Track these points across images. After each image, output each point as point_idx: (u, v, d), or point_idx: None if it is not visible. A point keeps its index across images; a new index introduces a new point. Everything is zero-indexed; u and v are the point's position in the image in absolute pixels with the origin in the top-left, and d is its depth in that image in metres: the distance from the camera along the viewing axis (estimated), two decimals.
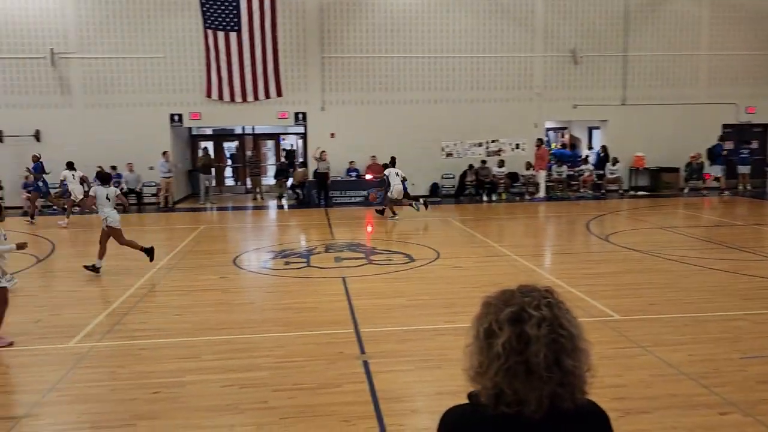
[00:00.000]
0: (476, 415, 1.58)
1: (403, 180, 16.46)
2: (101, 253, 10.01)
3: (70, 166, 17.09)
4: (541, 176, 19.96)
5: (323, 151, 19.34)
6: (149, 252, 10.33)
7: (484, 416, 1.55)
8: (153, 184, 19.75)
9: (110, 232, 10.05)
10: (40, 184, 17.29)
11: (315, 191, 19.50)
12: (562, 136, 25.72)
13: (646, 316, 7.34)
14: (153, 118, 19.74)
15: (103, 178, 10.55)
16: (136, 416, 4.87)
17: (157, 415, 4.90)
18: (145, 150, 19.43)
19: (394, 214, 16.29)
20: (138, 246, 10.28)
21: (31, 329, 7.21)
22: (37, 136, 19.45)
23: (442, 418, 1.66)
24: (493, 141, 21.19)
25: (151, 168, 19.45)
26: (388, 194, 16.51)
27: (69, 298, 8.63)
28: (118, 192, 10.59)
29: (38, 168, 17.25)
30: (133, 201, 19.42)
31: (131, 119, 19.61)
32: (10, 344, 6.63)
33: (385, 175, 16.96)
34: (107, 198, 10.12)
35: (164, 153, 19.09)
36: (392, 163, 16.87)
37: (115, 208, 10.28)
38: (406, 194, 16.62)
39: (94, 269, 9.90)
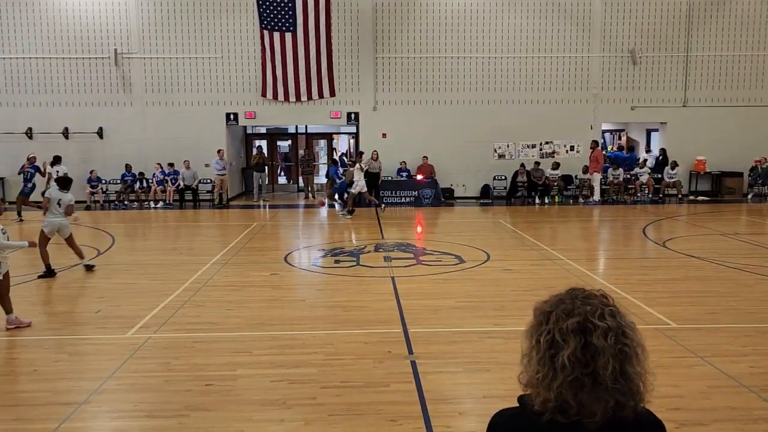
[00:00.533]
0: (528, 421, 1.54)
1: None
2: (78, 253, 10.10)
3: (57, 160, 16.99)
4: (596, 179, 19.51)
5: (374, 151, 19.46)
6: (49, 273, 9.75)
7: (536, 423, 1.52)
8: (208, 181, 20.24)
9: (41, 236, 9.78)
10: (30, 185, 16.74)
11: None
12: (619, 139, 25.08)
13: (704, 325, 7.08)
14: (209, 117, 20.24)
15: (63, 183, 10.19)
16: (188, 407, 4.99)
17: (209, 406, 5.01)
18: (201, 148, 19.93)
19: (351, 212, 16.80)
20: (46, 261, 9.76)
21: (92, 319, 7.49)
22: (100, 133, 20.20)
23: (491, 420, 1.63)
24: (546, 142, 20.85)
25: (207, 165, 19.93)
26: (351, 190, 17.05)
27: (127, 291, 8.92)
28: (72, 202, 10.09)
29: (35, 169, 16.88)
30: (188, 198, 19.97)
31: (189, 118, 20.17)
32: (29, 324, 7.07)
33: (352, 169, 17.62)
34: (58, 204, 9.85)
35: (219, 151, 19.54)
36: (360, 158, 17.77)
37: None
38: (367, 193, 17.44)
39: (89, 268, 10.12)
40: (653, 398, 1.61)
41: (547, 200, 19.69)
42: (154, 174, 19.58)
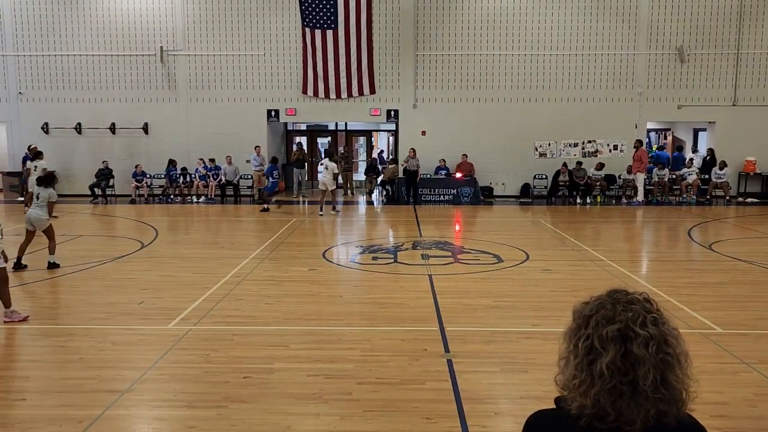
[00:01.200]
0: (565, 424, 1.51)
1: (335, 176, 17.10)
2: (52, 249, 10.02)
3: (38, 155, 16.76)
4: (640, 179, 19.07)
5: (411, 149, 19.45)
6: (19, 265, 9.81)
7: (573, 427, 1.49)
8: (249, 176, 20.52)
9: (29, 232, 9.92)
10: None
11: (404, 189, 19.61)
12: (665, 138, 24.47)
13: (751, 331, 6.85)
14: (251, 114, 20.52)
15: (45, 179, 10.24)
16: (227, 399, 5.07)
17: (247, 399, 5.08)
18: (243, 144, 20.22)
19: (322, 210, 16.53)
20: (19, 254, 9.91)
21: (135, 310, 7.68)
22: (145, 128, 20.69)
23: (527, 421, 1.61)
24: (589, 141, 20.50)
25: (248, 161, 20.21)
26: (320, 187, 16.95)
27: (169, 283, 9.11)
28: (53, 198, 10.00)
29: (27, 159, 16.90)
30: (230, 193, 20.29)
31: (231, 114, 20.49)
32: (25, 319, 7.17)
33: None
34: (37, 197, 9.93)
35: (256, 147, 19.76)
36: (326, 155, 17.61)
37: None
38: (333, 194, 17.17)
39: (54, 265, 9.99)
40: (697, 405, 1.56)
41: (589, 200, 19.35)
42: (197, 169, 19.96)
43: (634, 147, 19.31)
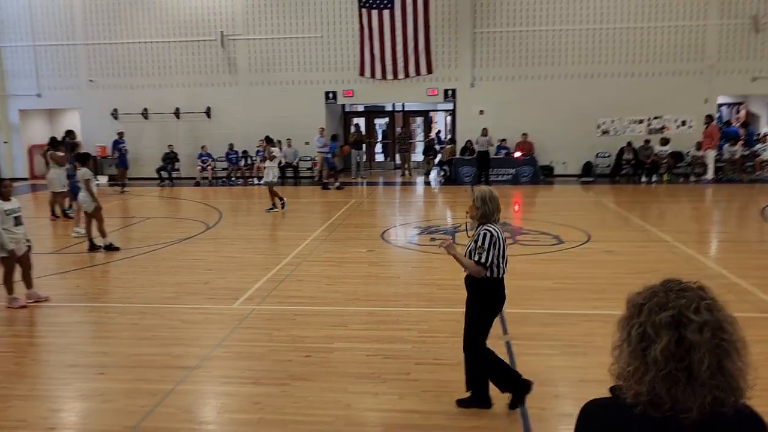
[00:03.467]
0: (620, 412, 1.51)
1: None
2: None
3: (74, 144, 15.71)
4: (710, 156, 18.29)
5: (484, 128, 19.15)
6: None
7: (629, 416, 1.49)
8: (308, 158, 20.80)
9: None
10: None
11: (476, 170, 19.29)
12: (737, 113, 23.32)
13: None
14: (309, 96, 20.74)
15: (80, 158, 10.85)
16: (290, 376, 5.25)
17: (309, 376, 5.24)
18: (301, 126, 20.48)
19: (274, 206, 14.47)
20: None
21: (202, 290, 7.99)
22: (208, 112, 21.23)
23: (582, 410, 1.62)
24: (655, 118, 19.77)
25: (307, 143, 20.47)
26: (265, 179, 14.82)
27: (232, 264, 9.41)
28: (88, 176, 10.43)
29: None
30: (290, 175, 20.64)
31: (289, 97, 20.76)
32: (46, 299, 7.54)
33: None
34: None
35: (320, 129, 19.96)
36: (272, 145, 15.26)
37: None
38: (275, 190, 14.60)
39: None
40: (761, 391, 1.54)
41: (655, 178, 18.72)
42: (258, 151, 20.38)
43: (704, 123, 18.51)
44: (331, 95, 20.86)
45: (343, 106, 23.04)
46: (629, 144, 19.11)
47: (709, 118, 18.52)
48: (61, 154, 13.50)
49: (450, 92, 20.42)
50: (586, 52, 19.64)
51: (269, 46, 20.79)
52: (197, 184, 20.09)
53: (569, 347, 5.83)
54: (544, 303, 7.21)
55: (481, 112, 20.18)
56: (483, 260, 4.54)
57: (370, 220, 13.78)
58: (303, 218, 14.15)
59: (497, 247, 4.56)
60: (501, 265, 4.67)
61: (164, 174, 20.48)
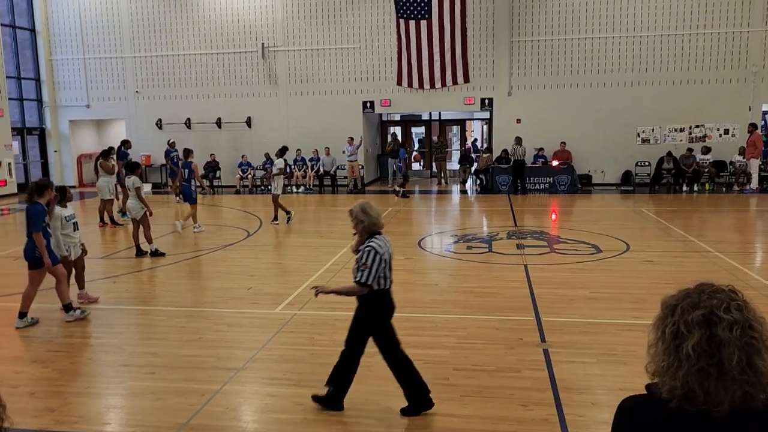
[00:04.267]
0: (656, 408, 1.62)
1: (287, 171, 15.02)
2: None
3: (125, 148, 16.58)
4: (754, 165, 17.93)
5: (517, 136, 19.14)
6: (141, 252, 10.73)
7: (664, 410, 1.59)
8: (344, 167, 21.06)
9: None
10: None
11: (511, 178, 19.29)
12: None
13: None
14: (347, 105, 21.03)
15: (128, 167, 11.25)
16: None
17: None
18: (339, 135, 20.76)
19: (276, 218, 14.08)
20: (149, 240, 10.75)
21: (245, 295, 8.23)
22: (248, 122, 21.71)
23: (620, 404, 1.73)
24: (697, 126, 19.46)
25: (344, 152, 20.75)
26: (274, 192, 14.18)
27: (274, 270, 9.66)
28: (137, 185, 10.81)
29: (124, 156, 16.09)
30: (327, 183, 20.92)
31: (328, 106, 21.09)
32: (96, 300, 7.92)
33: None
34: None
35: (350, 138, 20.14)
36: (280, 153, 14.63)
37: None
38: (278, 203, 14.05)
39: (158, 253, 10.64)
40: None
41: (696, 188, 18.42)
42: (296, 160, 20.72)
43: (748, 131, 18.16)
44: (368, 104, 21.12)
45: (381, 115, 23.28)
46: (669, 153, 18.85)
47: (753, 127, 18.16)
48: (112, 163, 14.07)
49: (487, 101, 20.47)
50: (625, 60, 19.48)
51: (308, 57, 21.17)
52: (237, 192, 20.53)
53: (608, 356, 5.85)
54: (582, 312, 7.23)
55: (518, 120, 20.17)
56: (363, 279, 4.63)
57: (407, 228, 13.90)
58: (341, 226, 14.34)
59: (381, 261, 4.66)
60: (387, 275, 4.81)
61: (206, 182, 21.00)
